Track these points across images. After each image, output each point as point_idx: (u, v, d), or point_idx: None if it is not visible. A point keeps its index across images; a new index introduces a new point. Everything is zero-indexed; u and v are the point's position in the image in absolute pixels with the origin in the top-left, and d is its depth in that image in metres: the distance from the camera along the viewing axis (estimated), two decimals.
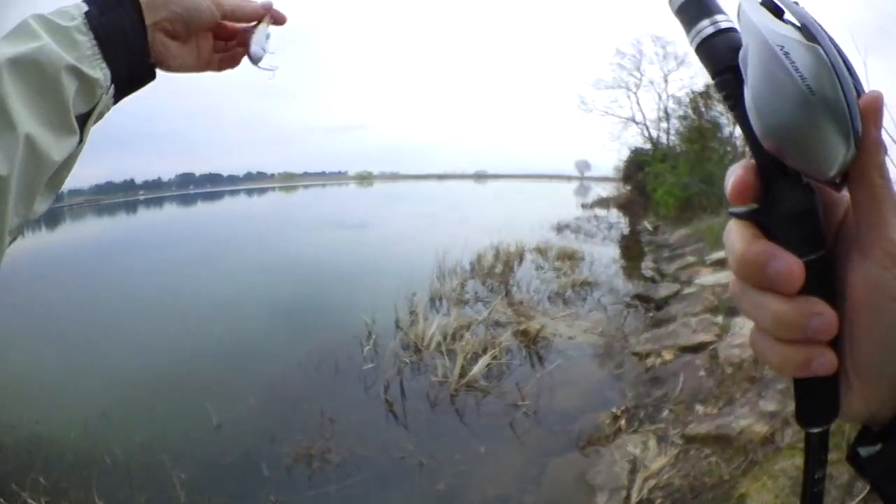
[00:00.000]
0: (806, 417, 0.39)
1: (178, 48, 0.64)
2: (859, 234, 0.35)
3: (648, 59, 24.76)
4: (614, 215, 21.17)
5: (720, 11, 0.35)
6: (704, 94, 22.14)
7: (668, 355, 5.44)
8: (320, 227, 21.36)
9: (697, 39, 0.35)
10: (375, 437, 4.48)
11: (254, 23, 0.71)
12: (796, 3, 0.33)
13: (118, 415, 5.11)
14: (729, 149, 21.45)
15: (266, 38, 0.71)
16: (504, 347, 5.98)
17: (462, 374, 5.31)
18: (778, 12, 0.33)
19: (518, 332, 6.56)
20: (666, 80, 24.27)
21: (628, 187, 20.48)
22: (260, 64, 0.71)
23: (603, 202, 27.03)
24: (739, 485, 3.05)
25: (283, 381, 5.62)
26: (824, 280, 0.35)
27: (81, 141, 0.55)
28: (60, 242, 24.35)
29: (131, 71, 0.59)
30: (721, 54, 0.35)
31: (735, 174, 0.36)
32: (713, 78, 0.36)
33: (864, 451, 0.38)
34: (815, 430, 0.39)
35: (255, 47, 0.70)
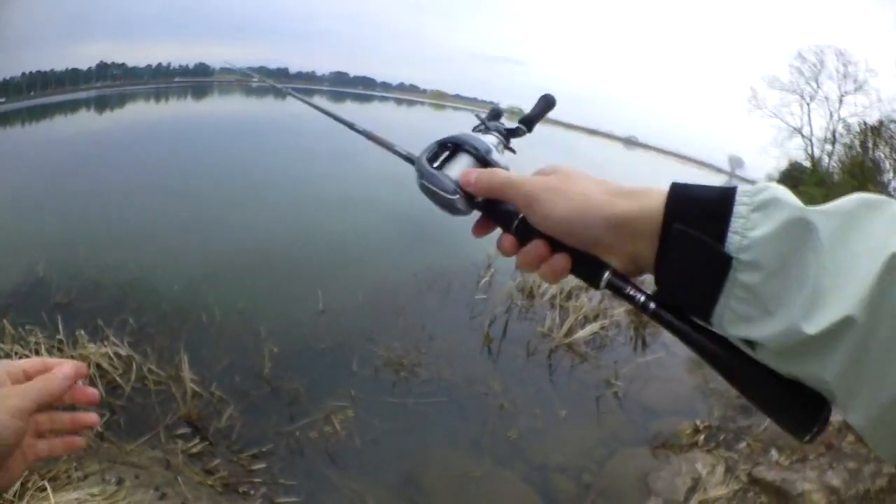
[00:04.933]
0: (592, 283, 0.56)
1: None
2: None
3: (828, 73, 22.72)
4: None
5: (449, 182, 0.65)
6: (875, 130, 20.21)
7: None
8: None
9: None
10: (466, 366, 4.55)
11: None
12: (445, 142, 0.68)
13: (227, 279, 5.39)
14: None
15: None
16: (614, 321, 5.80)
17: (567, 334, 5.24)
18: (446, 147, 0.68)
19: (632, 311, 6.31)
20: (841, 101, 22.28)
21: None
22: None
23: None
24: None
25: (395, 287, 5.79)
26: (529, 232, 0.58)
27: None
28: (206, 112, 26.10)
29: None
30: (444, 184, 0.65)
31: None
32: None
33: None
34: (603, 287, 0.56)
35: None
